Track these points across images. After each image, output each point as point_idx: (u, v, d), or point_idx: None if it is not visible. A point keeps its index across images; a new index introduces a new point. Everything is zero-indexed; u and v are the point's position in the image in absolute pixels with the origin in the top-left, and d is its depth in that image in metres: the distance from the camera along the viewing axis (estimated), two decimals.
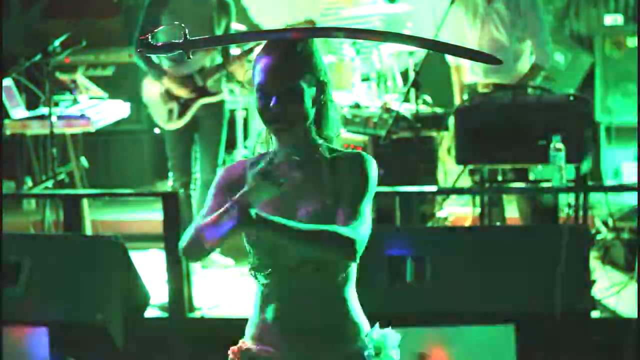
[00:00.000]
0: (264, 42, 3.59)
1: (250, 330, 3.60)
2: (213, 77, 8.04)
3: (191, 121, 8.14)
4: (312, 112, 3.51)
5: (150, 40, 3.58)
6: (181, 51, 3.59)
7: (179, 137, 8.26)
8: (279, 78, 3.45)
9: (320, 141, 3.58)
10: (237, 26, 9.60)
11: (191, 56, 3.60)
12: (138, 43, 3.62)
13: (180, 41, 3.56)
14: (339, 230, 3.33)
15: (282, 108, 3.44)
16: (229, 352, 3.63)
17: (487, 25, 8.15)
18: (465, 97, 8.03)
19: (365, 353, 3.50)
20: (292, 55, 3.47)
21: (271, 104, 3.45)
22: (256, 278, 3.53)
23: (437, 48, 3.81)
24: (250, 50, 7.98)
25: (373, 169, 3.53)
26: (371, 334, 3.53)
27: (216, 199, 3.61)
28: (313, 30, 3.81)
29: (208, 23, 7.95)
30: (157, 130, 9.75)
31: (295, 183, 3.51)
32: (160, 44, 3.59)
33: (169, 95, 8.07)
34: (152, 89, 8.22)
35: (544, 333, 6.10)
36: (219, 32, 7.99)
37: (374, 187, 3.51)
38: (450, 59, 8.50)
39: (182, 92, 8.00)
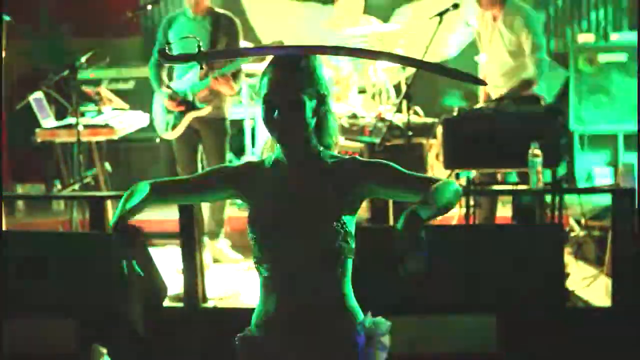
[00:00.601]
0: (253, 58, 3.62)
1: (254, 318, 3.62)
2: (201, 94, 8.03)
3: (192, 132, 8.18)
4: (312, 121, 3.53)
5: (167, 52, 3.63)
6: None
7: (181, 146, 8.31)
8: (282, 91, 3.48)
9: (321, 148, 3.60)
10: (245, 44, 9.64)
11: (202, 68, 3.64)
12: (158, 54, 3.65)
13: (195, 53, 3.61)
14: (442, 182, 3.42)
15: (285, 118, 3.48)
16: (236, 339, 3.66)
17: (493, 42, 7.99)
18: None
19: (358, 340, 3.50)
20: (295, 70, 3.50)
21: (275, 115, 3.48)
22: (259, 271, 3.56)
23: (427, 68, 3.82)
24: (236, 70, 8.00)
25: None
26: (363, 322, 3.54)
27: (211, 177, 3.72)
28: (322, 49, 3.84)
29: (209, 42, 7.96)
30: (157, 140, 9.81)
31: (298, 186, 3.55)
32: (177, 55, 3.64)
33: (166, 109, 8.11)
34: (157, 103, 8.26)
35: (522, 321, 6.11)
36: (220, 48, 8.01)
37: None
38: (480, 60, 8.41)
39: (172, 106, 8.04)
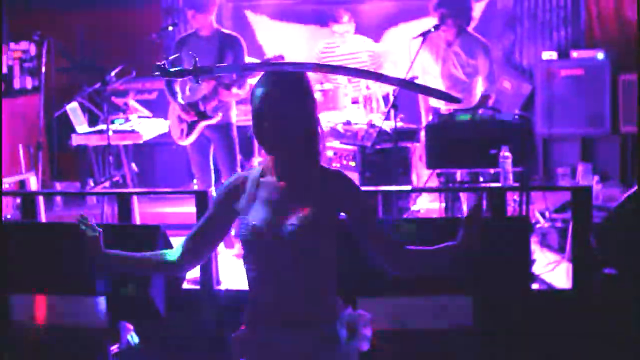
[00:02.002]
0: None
1: (245, 316, 3.55)
2: (211, 104, 8.00)
3: (204, 139, 8.14)
4: (300, 134, 3.44)
5: (165, 67, 3.56)
6: (193, 79, 3.58)
7: (195, 152, 8.28)
8: (271, 104, 3.39)
9: (309, 158, 3.50)
10: (249, 59, 9.61)
11: (199, 82, 3.58)
12: (156, 69, 3.58)
13: (190, 68, 3.54)
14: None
15: (273, 130, 3.39)
16: (231, 337, 3.59)
17: (447, 63, 8.18)
18: (430, 117, 8.03)
19: (340, 334, 3.44)
20: (284, 85, 3.42)
21: (264, 127, 3.41)
22: (246, 269, 3.49)
23: (411, 88, 3.76)
24: (237, 81, 7.97)
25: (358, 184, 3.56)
26: (344, 316, 3.47)
27: (215, 208, 3.61)
28: (314, 66, 3.77)
29: (215, 58, 7.91)
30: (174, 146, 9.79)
31: (286, 194, 3.46)
32: (173, 69, 3.58)
33: (180, 118, 8.08)
34: (172, 112, 8.23)
35: (494, 301, 6.08)
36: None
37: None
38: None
39: (186, 116, 8.01)
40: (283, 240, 3.39)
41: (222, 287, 7.23)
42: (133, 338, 6.23)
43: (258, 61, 9.75)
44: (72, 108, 9.37)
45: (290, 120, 3.40)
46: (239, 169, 8.33)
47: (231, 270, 7.75)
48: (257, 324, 3.50)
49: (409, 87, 3.74)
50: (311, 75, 9.26)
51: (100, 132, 8.97)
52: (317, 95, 9.60)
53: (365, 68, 9.80)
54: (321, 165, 3.53)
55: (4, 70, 10.53)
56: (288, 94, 3.42)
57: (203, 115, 7.98)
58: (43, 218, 8.03)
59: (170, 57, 3.74)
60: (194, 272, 6.97)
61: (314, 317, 3.45)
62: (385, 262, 3.52)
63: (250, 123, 9.54)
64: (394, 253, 3.47)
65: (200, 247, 3.65)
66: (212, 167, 8.28)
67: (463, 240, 3.45)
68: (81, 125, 9.43)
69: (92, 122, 9.77)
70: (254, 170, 3.60)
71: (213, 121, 8.03)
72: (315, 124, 3.51)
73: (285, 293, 3.42)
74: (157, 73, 3.61)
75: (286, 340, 3.44)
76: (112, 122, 8.91)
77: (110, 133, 8.56)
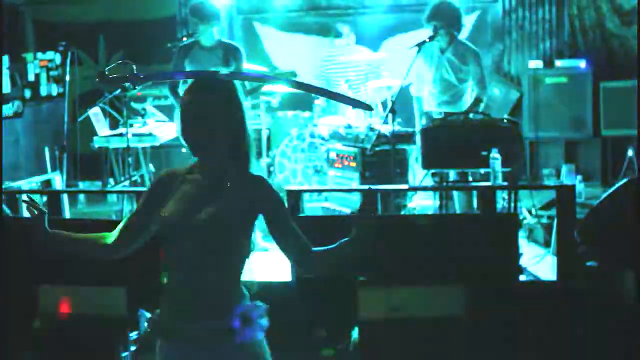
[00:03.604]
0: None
1: (161, 304, 3.52)
2: None
3: None
4: (225, 139, 3.39)
5: (106, 74, 3.52)
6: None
7: None
8: (195, 110, 3.36)
9: (232, 160, 3.45)
10: (260, 68, 9.61)
11: (135, 88, 3.55)
12: (97, 75, 3.55)
13: (127, 75, 3.50)
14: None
15: (196, 133, 3.37)
16: (147, 319, 3.58)
17: (440, 69, 8.18)
18: (424, 121, 8.03)
19: (234, 324, 3.40)
20: (209, 92, 3.38)
21: (188, 129, 3.39)
22: (166, 262, 3.47)
23: (329, 96, 3.72)
24: (254, 90, 7.94)
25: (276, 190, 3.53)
26: (239, 309, 3.42)
27: (143, 200, 3.58)
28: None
29: (219, 67, 7.85)
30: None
31: (202, 192, 3.43)
32: (114, 77, 3.54)
33: None
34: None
35: (485, 292, 6.08)
36: None
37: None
38: (412, 92, 8.51)
39: None
40: (191, 234, 3.36)
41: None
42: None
43: (266, 69, 9.77)
44: (94, 113, 9.37)
45: (212, 125, 3.36)
46: None
47: (249, 264, 7.72)
48: (168, 310, 3.48)
49: (328, 97, 3.69)
50: (314, 82, 9.23)
51: (120, 135, 8.96)
52: (320, 101, 9.60)
53: (364, 75, 9.80)
54: (247, 171, 3.49)
55: (32, 78, 10.52)
56: (212, 101, 3.38)
57: None
58: (67, 214, 8.03)
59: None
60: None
61: (214, 308, 3.41)
62: (294, 262, 3.53)
63: (258, 126, 9.58)
64: (302, 254, 3.45)
65: (132, 235, 3.60)
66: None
67: (355, 237, 3.41)
68: (102, 129, 9.43)
69: (113, 126, 9.76)
70: (183, 167, 3.56)
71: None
72: (241, 129, 3.45)
73: (191, 283, 3.39)
74: (97, 79, 3.57)
75: (189, 328, 3.40)
76: (131, 126, 8.91)
77: (130, 136, 8.55)
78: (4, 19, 11.10)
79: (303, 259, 3.47)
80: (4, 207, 7.71)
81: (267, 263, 7.90)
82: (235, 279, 3.48)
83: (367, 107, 3.91)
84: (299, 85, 4.04)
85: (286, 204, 3.46)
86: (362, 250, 3.42)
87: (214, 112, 3.36)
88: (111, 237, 3.60)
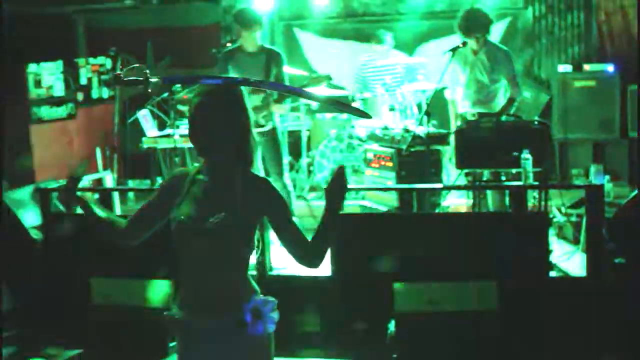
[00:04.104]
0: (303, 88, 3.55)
1: (175, 299, 3.55)
2: (262, 113, 7.96)
3: None
4: (231, 143, 3.42)
5: (120, 77, 3.55)
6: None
7: None
8: (202, 114, 3.38)
9: (239, 164, 3.48)
10: (300, 72, 9.62)
11: (150, 90, 3.57)
12: (112, 79, 3.60)
13: (141, 79, 3.51)
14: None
15: (203, 137, 3.39)
16: (164, 314, 3.57)
17: (474, 70, 8.16)
18: (459, 122, 8.03)
19: (246, 318, 3.41)
20: (215, 97, 3.40)
21: (196, 132, 3.41)
22: (178, 260, 3.48)
23: (329, 104, 3.68)
24: (286, 95, 7.93)
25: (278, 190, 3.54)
26: (250, 304, 3.43)
27: (156, 195, 3.61)
28: (240, 81, 3.71)
29: (261, 71, 7.87)
30: None
31: (211, 194, 3.45)
32: (127, 79, 3.56)
33: None
34: None
35: (516, 287, 6.06)
36: (271, 78, 7.85)
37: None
38: (447, 96, 8.51)
39: None
40: (202, 236, 3.38)
41: (274, 272, 7.24)
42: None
43: (306, 74, 9.78)
44: (143, 115, 9.42)
45: (218, 128, 3.39)
46: (285, 169, 8.32)
47: (282, 258, 7.75)
48: (182, 307, 3.50)
49: (330, 105, 3.65)
50: (352, 86, 9.21)
51: (168, 136, 8.99)
52: (358, 104, 9.60)
53: (400, 79, 9.79)
54: (252, 173, 3.51)
55: (84, 82, 10.61)
56: (219, 105, 3.40)
57: (255, 124, 7.93)
58: (118, 211, 8.09)
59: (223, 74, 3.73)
60: (251, 259, 6.98)
61: (226, 304, 3.42)
62: (298, 258, 3.52)
63: (299, 127, 9.61)
64: (302, 250, 3.46)
65: (142, 226, 3.64)
66: (260, 167, 8.27)
67: (327, 205, 3.43)
68: (151, 130, 9.48)
69: (161, 127, 9.81)
70: (193, 167, 3.59)
71: (264, 129, 7.99)
72: (246, 133, 3.48)
73: (203, 282, 3.42)
74: (112, 82, 3.61)
75: (203, 324, 3.43)
76: (178, 127, 8.94)
77: (177, 137, 8.58)
78: (53, 27, 11.23)
79: (305, 255, 3.48)
80: (57, 203, 7.77)
81: None
82: (244, 274, 3.52)
83: (366, 116, 3.88)
84: (295, 92, 4.03)
85: (291, 205, 3.48)
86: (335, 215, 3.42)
87: (220, 116, 3.39)
88: (125, 223, 3.65)
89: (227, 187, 3.44)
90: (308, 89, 8.01)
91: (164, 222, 3.59)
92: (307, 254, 3.46)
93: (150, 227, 3.64)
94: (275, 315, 3.51)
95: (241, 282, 3.49)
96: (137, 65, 3.62)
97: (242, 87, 3.57)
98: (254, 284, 3.55)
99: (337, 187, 3.42)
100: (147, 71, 3.50)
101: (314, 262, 3.51)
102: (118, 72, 3.59)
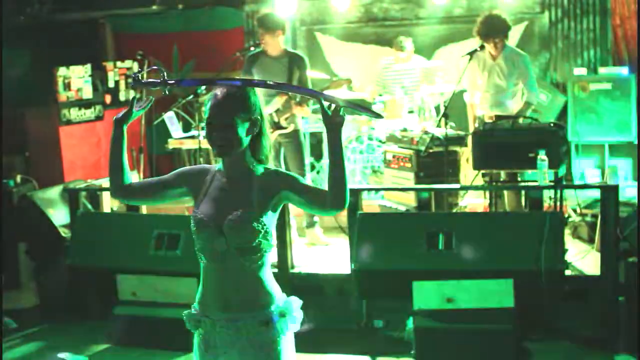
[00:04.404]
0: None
1: (197, 296, 3.52)
2: (285, 116, 7.96)
3: (276, 143, 7.95)
4: (246, 140, 3.42)
5: (138, 78, 3.57)
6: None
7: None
8: (219, 115, 3.39)
9: (254, 162, 3.48)
10: (322, 75, 9.62)
11: (167, 93, 3.59)
12: (132, 80, 3.61)
13: (158, 80, 3.50)
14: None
15: (220, 137, 3.39)
16: (183, 314, 3.55)
17: (492, 74, 8.13)
18: (477, 124, 8.01)
19: (272, 317, 3.39)
20: (230, 98, 3.40)
21: (213, 133, 3.42)
22: (199, 258, 3.46)
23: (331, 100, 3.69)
24: (309, 98, 7.92)
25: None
26: (277, 302, 3.43)
27: (172, 177, 3.61)
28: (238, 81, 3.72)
29: (284, 74, 7.88)
30: None
31: (230, 192, 3.45)
32: (146, 81, 3.56)
33: None
34: None
35: (532, 284, 6.04)
36: (294, 81, 7.86)
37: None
38: (465, 98, 8.50)
39: None
40: (224, 234, 3.38)
41: (296, 270, 7.25)
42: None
43: (327, 77, 9.78)
44: (169, 116, 9.46)
45: (234, 128, 3.39)
46: (307, 170, 8.33)
47: (303, 256, 7.76)
48: (204, 305, 3.49)
49: (346, 106, 3.65)
50: (373, 89, 9.20)
51: (193, 137, 9.03)
52: (377, 106, 9.60)
53: (419, 81, 9.79)
54: (266, 168, 3.51)
55: (112, 84, 10.65)
56: (233, 106, 3.40)
57: (278, 126, 7.94)
58: (144, 210, 8.12)
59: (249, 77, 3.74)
60: (273, 257, 6.99)
61: (249, 302, 3.41)
62: (320, 207, 3.41)
63: (319, 129, 9.61)
64: (322, 197, 3.36)
65: (142, 193, 3.67)
66: (283, 167, 8.27)
67: (330, 139, 3.41)
68: (176, 131, 9.51)
69: (186, 128, 9.84)
70: (215, 166, 3.58)
71: (286, 131, 8.00)
72: (260, 131, 3.49)
73: (226, 280, 3.40)
74: (132, 84, 3.63)
75: (227, 323, 3.42)
76: (203, 129, 8.95)
77: (201, 138, 8.61)
78: (82, 31, 11.28)
79: (326, 200, 3.38)
80: (86, 202, 7.81)
81: (328, 257, 7.93)
82: (265, 271, 3.47)
83: (378, 116, 3.87)
84: (280, 87, 4.05)
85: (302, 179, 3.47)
86: (335, 126, 3.39)
87: (237, 117, 3.40)
88: (130, 180, 3.66)
89: (244, 185, 3.45)
90: (328, 92, 8.03)
91: (155, 201, 3.68)
92: (328, 197, 3.38)
93: (148, 199, 3.73)
94: (299, 314, 3.48)
95: (263, 280, 3.45)
96: (155, 67, 3.63)
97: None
98: (275, 282, 3.51)
99: (334, 119, 3.40)
100: (164, 73, 3.51)
101: (337, 203, 3.38)
102: (135, 73, 3.62)
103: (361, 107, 3.58)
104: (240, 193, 3.43)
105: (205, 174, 3.56)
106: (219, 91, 3.45)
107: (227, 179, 3.49)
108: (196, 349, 3.55)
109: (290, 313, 3.45)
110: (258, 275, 3.43)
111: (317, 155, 10.10)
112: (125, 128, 3.63)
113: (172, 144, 9.31)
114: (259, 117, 3.47)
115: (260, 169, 3.49)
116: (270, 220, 3.43)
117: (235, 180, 3.47)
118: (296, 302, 3.49)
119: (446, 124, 8.02)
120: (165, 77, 3.50)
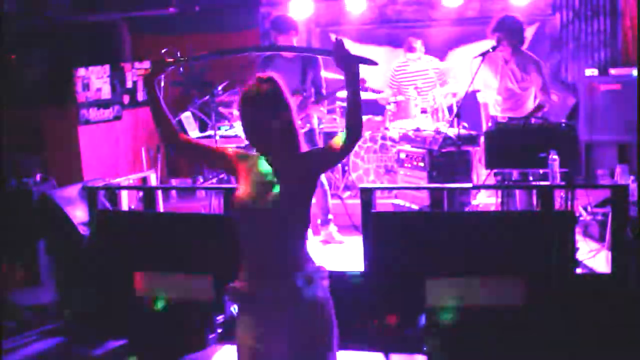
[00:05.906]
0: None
1: (239, 271, 3.77)
2: (300, 116, 7.93)
3: None
4: (279, 134, 3.69)
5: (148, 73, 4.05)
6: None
7: None
8: (251, 120, 3.69)
9: (288, 149, 3.74)
10: (336, 76, 9.61)
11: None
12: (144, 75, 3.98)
13: (172, 60, 4.02)
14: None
15: (256, 137, 3.71)
16: (226, 289, 3.81)
17: (504, 78, 8.09)
18: (490, 124, 7.98)
19: (299, 283, 3.62)
20: (260, 95, 3.66)
21: (251, 136, 3.72)
22: (240, 237, 3.71)
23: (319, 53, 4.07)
24: (324, 99, 7.91)
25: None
26: (305, 269, 3.66)
27: (224, 151, 3.91)
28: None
29: (298, 75, 7.89)
30: None
31: (271, 178, 3.71)
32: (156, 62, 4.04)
33: None
34: None
35: (543, 283, 6.02)
36: (308, 82, 7.88)
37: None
38: (479, 99, 8.47)
39: None
40: (260, 214, 3.62)
41: None
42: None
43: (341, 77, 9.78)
44: (186, 116, 9.47)
45: (266, 128, 3.67)
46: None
47: (317, 254, 7.74)
48: (243, 277, 3.72)
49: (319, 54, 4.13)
50: (386, 90, 9.21)
51: (209, 137, 9.03)
52: (391, 107, 9.59)
53: (432, 83, 9.77)
54: (300, 152, 3.78)
55: (130, 85, 10.67)
56: (262, 108, 3.67)
57: None
58: (161, 208, 8.12)
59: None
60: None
61: (286, 271, 3.64)
62: (346, 144, 3.71)
63: (335, 129, 9.61)
64: (351, 129, 3.71)
65: (194, 150, 3.96)
66: None
67: (333, 54, 3.79)
68: (193, 131, 9.52)
69: (202, 128, 9.86)
70: (255, 154, 3.83)
71: (302, 130, 7.97)
72: (291, 125, 3.75)
73: (264, 252, 3.64)
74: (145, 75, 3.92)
75: (265, 289, 3.65)
76: (219, 129, 8.98)
77: (217, 138, 8.63)
78: (100, 33, 11.29)
79: (348, 132, 3.71)
80: (104, 200, 7.82)
81: (342, 255, 7.92)
82: (300, 244, 3.70)
83: (373, 63, 4.13)
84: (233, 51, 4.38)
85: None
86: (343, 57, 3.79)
87: (266, 118, 3.67)
88: (179, 135, 3.95)
89: (281, 169, 3.71)
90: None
91: (202, 162, 4.04)
92: (346, 132, 3.70)
93: (196, 154, 3.99)
94: (325, 282, 3.72)
95: (299, 252, 3.68)
96: (167, 50, 3.92)
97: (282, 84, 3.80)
98: (309, 253, 3.74)
99: (343, 56, 3.81)
100: (178, 53, 3.80)
101: (353, 133, 3.71)
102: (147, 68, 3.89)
103: (356, 56, 3.91)
104: (278, 177, 3.69)
105: (249, 157, 3.84)
106: (244, 95, 3.71)
107: (266, 165, 3.75)
108: (237, 321, 3.79)
109: (316, 279, 3.68)
110: (296, 248, 3.67)
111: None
112: (155, 83, 4.00)
113: None
114: (286, 110, 3.73)
115: (295, 154, 3.75)
116: (308, 199, 3.71)
117: (275, 168, 3.73)
118: (323, 270, 3.75)
119: (459, 124, 8.01)
120: (179, 55, 3.93)
